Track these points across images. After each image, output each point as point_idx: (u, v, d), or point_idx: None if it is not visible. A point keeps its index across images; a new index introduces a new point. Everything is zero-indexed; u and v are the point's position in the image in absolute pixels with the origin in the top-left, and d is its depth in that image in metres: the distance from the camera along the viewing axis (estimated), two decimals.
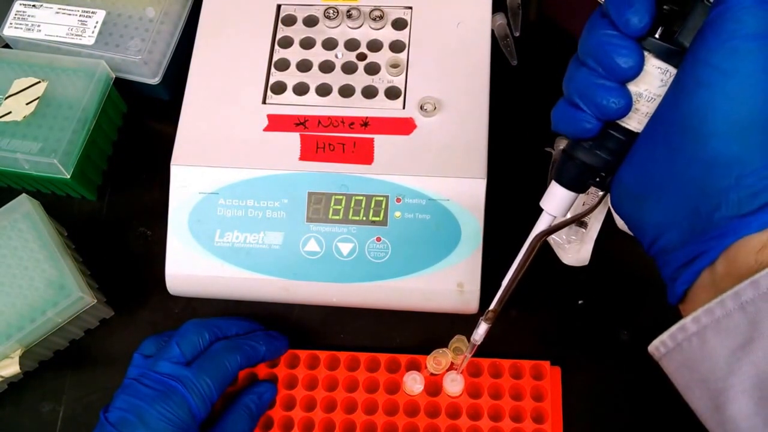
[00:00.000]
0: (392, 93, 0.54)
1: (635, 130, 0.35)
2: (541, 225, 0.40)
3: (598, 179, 0.37)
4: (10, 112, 0.56)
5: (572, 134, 0.36)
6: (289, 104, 0.54)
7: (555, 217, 0.39)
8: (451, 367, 0.50)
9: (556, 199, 0.38)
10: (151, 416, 0.44)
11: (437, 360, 0.49)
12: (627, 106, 0.33)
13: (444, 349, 0.49)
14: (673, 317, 0.54)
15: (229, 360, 0.48)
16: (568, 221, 0.40)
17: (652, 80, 0.33)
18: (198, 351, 0.48)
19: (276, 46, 0.57)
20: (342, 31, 0.57)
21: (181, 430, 0.45)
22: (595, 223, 0.56)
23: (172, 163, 0.53)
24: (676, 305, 0.34)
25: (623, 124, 0.35)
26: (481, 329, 0.44)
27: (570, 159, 0.37)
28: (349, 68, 0.56)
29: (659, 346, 0.33)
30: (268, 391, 0.50)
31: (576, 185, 0.38)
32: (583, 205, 0.56)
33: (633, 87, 0.34)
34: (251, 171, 0.52)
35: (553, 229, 0.39)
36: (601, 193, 0.39)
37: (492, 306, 0.43)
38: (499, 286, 0.42)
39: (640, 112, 0.34)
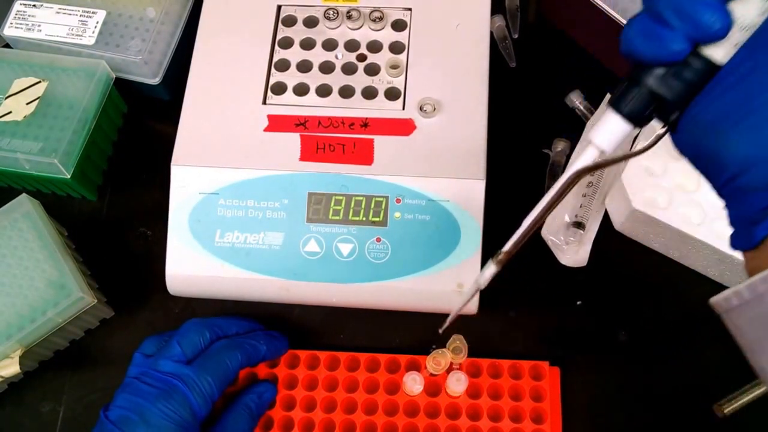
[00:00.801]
0: (392, 94, 0.54)
1: (719, 62, 0.31)
2: (585, 159, 0.34)
3: (663, 113, 0.32)
4: (10, 112, 0.56)
5: (653, 56, 0.31)
6: (289, 105, 0.54)
7: (603, 151, 0.34)
8: (451, 366, 0.50)
9: (608, 131, 0.33)
10: (152, 414, 0.44)
11: (437, 360, 0.49)
12: (727, 27, 0.29)
13: (443, 349, 0.50)
14: (672, 317, 0.55)
15: (230, 358, 0.48)
16: (615, 159, 0.35)
17: (751, 7, 0.30)
18: (199, 350, 0.48)
19: (276, 47, 0.57)
20: (342, 32, 0.57)
21: (182, 428, 0.45)
22: (593, 224, 0.57)
23: (172, 163, 0.53)
24: (742, 250, 0.31)
25: (707, 53, 0.31)
26: (488, 273, 0.39)
27: (636, 86, 0.32)
28: (349, 69, 0.56)
29: (731, 297, 0.30)
30: (268, 390, 0.50)
31: (637, 117, 0.33)
32: (581, 207, 0.56)
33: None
34: (251, 171, 0.52)
35: (595, 167, 0.34)
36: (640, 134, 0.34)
37: (506, 247, 0.37)
38: (519, 225, 0.38)
39: (730, 41, 0.30)
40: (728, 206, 0.32)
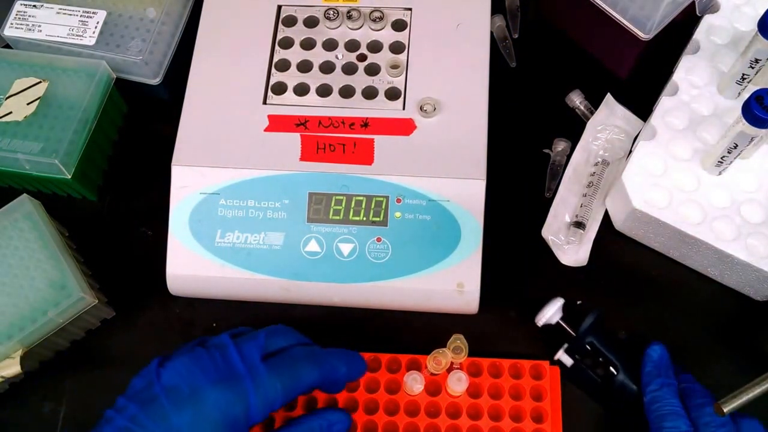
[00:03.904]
0: (392, 94, 0.54)
1: None
2: None
3: None
4: (10, 113, 0.56)
5: None
6: (289, 105, 0.55)
7: None
8: (451, 366, 0.50)
9: None
10: (207, 398, 0.39)
11: (437, 360, 0.49)
12: None
13: (443, 349, 0.50)
14: (671, 316, 0.55)
15: (307, 373, 0.42)
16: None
17: None
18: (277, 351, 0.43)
19: (276, 47, 0.57)
20: (342, 32, 0.57)
21: (230, 428, 0.39)
22: (593, 224, 0.57)
23: (172, 163, 0.53)
24: None
25: None
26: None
27: None
28: (349, 69, 0.56)
29: None
30: (341, 422, 0.44)
31: None
32: (582, 207, 0.57)
33: None
34: (252, 171, 0.52)
35: None
36: None
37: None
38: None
39: None
40: None
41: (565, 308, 0.52)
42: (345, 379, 0.46)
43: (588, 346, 0.50)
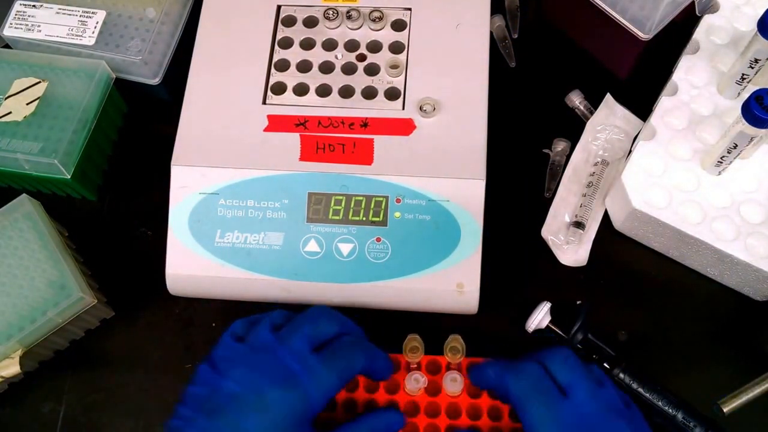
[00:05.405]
0: (392, 94, 0.54)
1: None
2: None
3: None
4: (10, 112, 0.56)
5: None
6: (289, 105, 0.55)
7: None
8: (447, 367, 0.50)
9: None
10: (271, 400, 0.40)
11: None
12: None
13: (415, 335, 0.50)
14: (671, 316, 0.55)
15: (357, 359, 0.43)
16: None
17: None
18: (325, 340, 0.44)
19: (276, 47, 0.57)
20: (342, 32, 0.57)
21: (298, 427, 0.40)
22: (593, 224, 0.57)
23: (172, 163, 0.53)
24: None
25: None
26: None
27: None
28: (348, 69, 0.56)
29: None
30: (398, 423, 0.45)
31: None
32: (581, 207, 0.57)
33: None
34: (251, 171, 0.52)
35: None
36: None
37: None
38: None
39: None
40: None
41: (555, 310, 0.52)
42: (383, 371, 0.47)
43: (579, 346, 0.50)
